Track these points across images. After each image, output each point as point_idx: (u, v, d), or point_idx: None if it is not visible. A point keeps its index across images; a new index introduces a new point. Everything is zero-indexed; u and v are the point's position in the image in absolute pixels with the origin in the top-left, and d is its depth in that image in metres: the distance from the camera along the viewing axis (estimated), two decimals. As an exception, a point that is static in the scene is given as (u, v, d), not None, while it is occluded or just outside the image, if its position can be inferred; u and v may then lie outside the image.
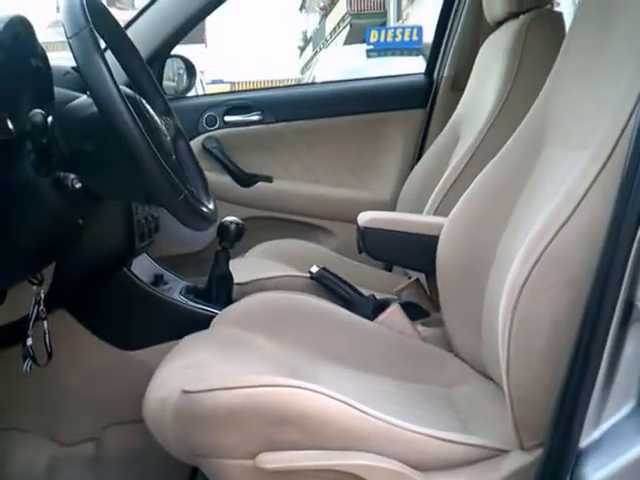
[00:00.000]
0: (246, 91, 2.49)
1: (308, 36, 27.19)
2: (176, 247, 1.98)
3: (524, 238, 0.94)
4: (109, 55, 1.12)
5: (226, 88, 13.51)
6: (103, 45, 1.08)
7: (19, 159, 0.99)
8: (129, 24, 1.84)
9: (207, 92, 6.57)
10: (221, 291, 1.50)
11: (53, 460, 1.43)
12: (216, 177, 2.07)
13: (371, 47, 9.03)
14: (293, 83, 13.75)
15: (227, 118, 2.15)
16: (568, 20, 1.50)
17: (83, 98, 1.11)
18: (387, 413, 0.94)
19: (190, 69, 2.10)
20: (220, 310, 1.33)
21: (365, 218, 1.53)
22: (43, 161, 1.01)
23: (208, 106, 2.15)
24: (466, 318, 1.23)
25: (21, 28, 0.99)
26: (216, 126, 2.14)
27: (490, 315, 1.11)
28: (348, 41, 16.21)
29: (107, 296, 1.43)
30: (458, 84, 2.15)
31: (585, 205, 0.89)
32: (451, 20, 2.24)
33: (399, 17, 16.45)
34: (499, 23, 1.82)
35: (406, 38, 9.33)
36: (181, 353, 1.14)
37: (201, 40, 20.56)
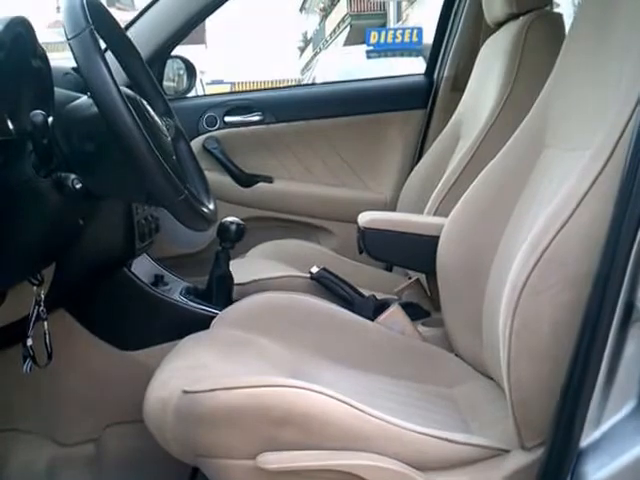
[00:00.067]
0: (246, 92, 2.49)
1: (308, 37, 27.21)
2: (176, 247, 1.98)
3: (525, 238, 0.94)
4: (109, 56, 1.12)
5: (226, 89, 13.54)
6: (103, 46, 1.08)
7: (19, 160, 0.99)
8: (130, 25, 1.84)
9: (207, 93, 6.58)
10: (221, 291, 1.50)
11: (53, 461, 1.43)
12: (216, 177, 2.07)
13: (371, 48, 9.05)
14: (293, 84, 13.77)
15: (227, 118, 2.15)
16: (568, 21, 1.50)
17: (83, 99, 1.11)
18: (388, 413, 0.94)
19: (190, 70, 2.10)
20: (220, 310, 1.32)
21: (365, 218, 1.53)
22: (43, 161, 1.01)
23: (208, 106, 2.15)
24: (467, 318, 1.23)
25: (22, 29, 0.99)
26: (216, 126, 2.14)
27: (491, 315, 1.11)
28: (348, 42, 16.23)
29: (107, 296, 1.43)
30: (458, 85, 2.15)
31: (586, 205, 0.89)
32: (451, 21, 2.24)
33: (399, 18, 16.46)
34: (499, 24, 1.82)
35: (406, 39, 9.36)
36: (181, 353, 1.13)
37: (201, 41, 20.60)
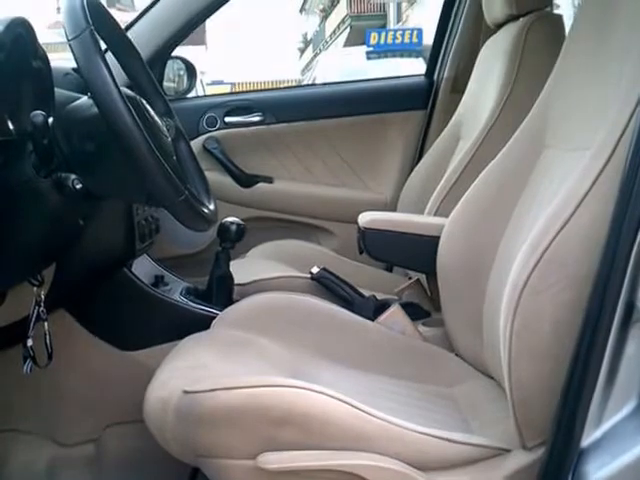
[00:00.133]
0: (246, 92, 2.50)
1: (308, 38, 27.22)
2: (177, 248, 1.98)
3: (525, 238, 0.94)
4: (110, 56, 1.12)
5: (226, 89, 13.54)
6: (104, 46, 1.08)
7: (20, 160, 0.99)
8: (130, 25, 1.84)
9: (207, 93, 6.58)
10: (221, 292, 1.50)
11: (53, 461, 1.43)
12: (217, 178, 2.07)
13: (371, 49, 9.06)
14: (293, 84, 13.78)
15: (227, 119, 2.15)
16: (568, 23, 1.50)
17: (84, 99, 1.11)
18: (389, 413, 0.94)
19: (190, 70, 2.10)
20: (220, 311, 1.32)
21: (366, 219, 1.53)
22: (44, 162, 1.01)
23: (209, 107, 2.15)
24: (467, 318, 1.23)
25: (22, 29, 0.99)
26: (217, 127, 2.14)
27: (491, 315, 1.11)
28: (348, 43, 16.23)
29: (108, 297, 1.43)
30: (458, 86, 2.15)
31: (586, 205, 0.89)
32: (451, 22, 2.25)
33: (399, 19, 16.47)
34: (499, 25, 1.82)
35: (406, 40, 9.37)
36: (181, 354, 1.13)
37: (202, 42, 20.59)
